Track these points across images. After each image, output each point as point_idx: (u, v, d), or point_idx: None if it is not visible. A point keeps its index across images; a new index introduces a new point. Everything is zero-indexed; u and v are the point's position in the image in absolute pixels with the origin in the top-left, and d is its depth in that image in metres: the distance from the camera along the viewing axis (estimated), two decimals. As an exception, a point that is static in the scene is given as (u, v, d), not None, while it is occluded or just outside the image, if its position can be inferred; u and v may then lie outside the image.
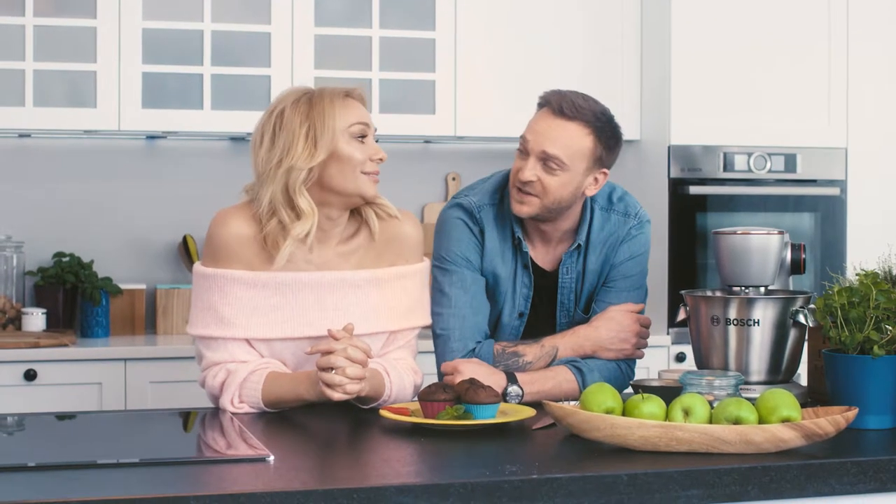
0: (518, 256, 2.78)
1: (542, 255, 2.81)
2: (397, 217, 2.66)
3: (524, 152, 2.69)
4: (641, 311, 2.81)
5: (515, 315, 2.80)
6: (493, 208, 2.77)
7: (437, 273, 2.77)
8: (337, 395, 2.42)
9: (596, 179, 2.72)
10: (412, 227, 2.68)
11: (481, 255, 2.75)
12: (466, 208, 2.77)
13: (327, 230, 2.59)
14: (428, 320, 2.72)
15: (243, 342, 2.55)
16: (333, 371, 2.42)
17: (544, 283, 2.80)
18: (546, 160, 2.66)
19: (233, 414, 2.47)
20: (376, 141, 2.61)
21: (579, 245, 2.77)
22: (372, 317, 2.59)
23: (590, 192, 2.73)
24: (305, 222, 2.53)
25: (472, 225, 2.76)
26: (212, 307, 2.55)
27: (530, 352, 2.71)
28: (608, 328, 2.75)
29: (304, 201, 2.53)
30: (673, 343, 4.12)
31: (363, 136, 2.56)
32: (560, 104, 2.66)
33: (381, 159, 2.58)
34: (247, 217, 2.57)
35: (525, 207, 2.70)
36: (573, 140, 2.66)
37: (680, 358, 4.11)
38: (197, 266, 2.60)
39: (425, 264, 2.71)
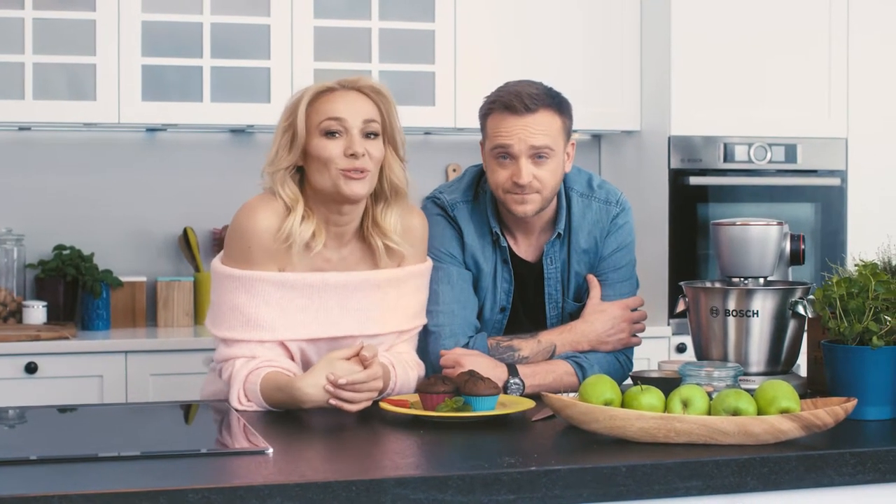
0: (497, 251, 2.77)
1: (523, 248, 2.80)
2: (403, 253, 2.60)
3: (509, 157, 2.66)
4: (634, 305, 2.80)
5: (497, 310, 2.78)
6: (468, 205, 2.77)
7: None
8: (351, 408, 2.37)
9: (568, 154, 2.74)
10: (419, 220, 2.66)
11: (462, 249, 2.75)
12: (440, 206, 2.77)
13: (341, 226, 2.55)
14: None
15: (268, 343, 2.50)
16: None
17: (529, 274, 2.79)
18: (536, 154, 2.65)
19: (238, 412, 2.42)
20: (372, 135, 2.51)
21: (559, 234, 2.77)
22: (390, 316, 2.58)
23: (568, 168, 2.75)
24: (303, 228, 2.48)
25: (449, 220, 2.76)
26: (237, 308, 2.48)
27: (526, 346, 2.70)
28: (602, 321, 2.75)
29: (286, 193, 2.50)
30: (673, 334, 4.12)
31: (334, 133, 2.48)
32: (522, 101, 2.65)
33: (353, 154, 2.46)
34: (274, 208, 2.51)
35: (529, 206, 2.68)
36: (549, 125, 2.67)
37: (681, 348, 4.11)
38: (219, 265, 2.52)
39: (430, 263, 2.70)
